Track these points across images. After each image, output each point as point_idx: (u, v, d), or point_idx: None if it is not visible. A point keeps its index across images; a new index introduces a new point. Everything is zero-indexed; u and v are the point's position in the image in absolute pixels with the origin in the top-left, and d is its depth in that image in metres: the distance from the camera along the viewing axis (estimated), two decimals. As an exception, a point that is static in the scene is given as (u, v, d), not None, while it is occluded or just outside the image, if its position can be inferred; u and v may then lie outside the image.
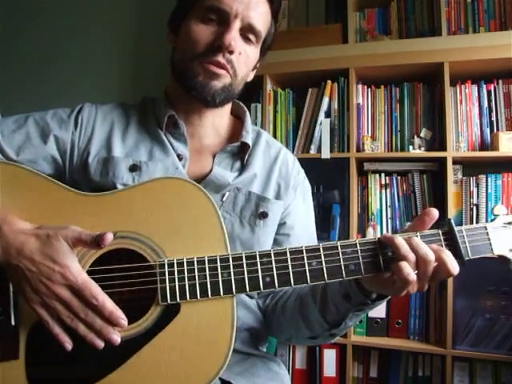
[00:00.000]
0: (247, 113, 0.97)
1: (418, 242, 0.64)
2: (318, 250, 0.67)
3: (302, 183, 0.99)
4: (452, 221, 0.67)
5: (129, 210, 0.70)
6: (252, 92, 2.03)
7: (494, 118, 1.80)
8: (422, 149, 1.83)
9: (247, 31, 0.83)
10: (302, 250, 0.67)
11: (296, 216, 0.95)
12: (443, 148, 1.76)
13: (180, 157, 0.86)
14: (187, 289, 0.65)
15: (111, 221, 0.69)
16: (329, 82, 1.93)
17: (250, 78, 0.93)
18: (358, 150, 1.87)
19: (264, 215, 0.88)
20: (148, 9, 2.33)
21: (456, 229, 0.66)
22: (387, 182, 1.87)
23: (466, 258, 0.66)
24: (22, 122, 0.85)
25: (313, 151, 1.91)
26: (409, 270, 0.62)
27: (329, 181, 1.87)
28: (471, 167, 1.84)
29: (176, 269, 0.66)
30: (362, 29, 1.99)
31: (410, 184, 1.85)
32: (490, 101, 1.81)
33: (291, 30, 2.04)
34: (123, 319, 0.62)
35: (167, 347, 0.65)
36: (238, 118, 0.99)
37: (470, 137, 1.82)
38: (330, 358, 1.84)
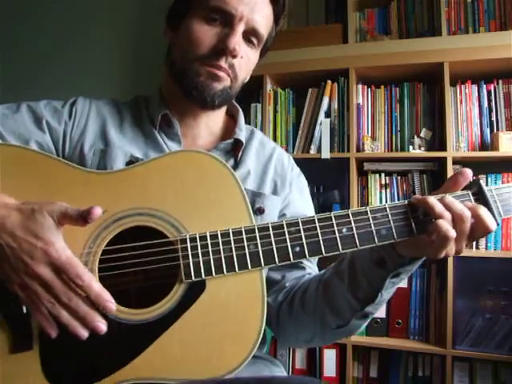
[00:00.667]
0: (240, 111, 0.95)
1: (452, 200, 0.62)
2: (348, 216, 0.64)
3: (296, 178, 0.97)
4: (481, 181, 0.66)
5: (144, 185, 0.66)
6: (252, 92, 2.03)
7: (494, 118, 1.80)
8: (422, 149, 1.83)
9: (250, 34, 0.82)
10: (331, 217, 0.63)
11: (295, 207, 0.92)
12: (443, 148, 1.76)
13: None
14: (212, 264, 0.62)
15: (125, 198, 0.66)
16: (329, 81, 1.93)
17: (247, 79, 0.92)
18: (358, 150, 1.87)
19: (260, 211, 0.85)
20: (148, 8, 2.33)
21: (486, 188, 0.65)
22: (387, 182, 1.87)
23: (498, 218, 0.64)
24: (15, 109, 0.82)
25: (313, 151, 1.91)
26: (448, 226, 0.60)
27: (329, 181, 1.87)
28: (471, 167, 1.81)
29: (199, 243, 0.62)
30: (362, 29, 1.99)
31: (410, 184, 1.85)
32: (490, 101, 1.81)
33: (291, 29, 2.04)
34: (111, 302, 0.57)
35: (194, 327, 0.61)
36: (231, 117, 0.97)
37: (470, 137, 1.82)
38: (330, 358, 1.84)
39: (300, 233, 0.63)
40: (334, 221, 0.63)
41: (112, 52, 2.39)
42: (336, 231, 0.63)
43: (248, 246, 0.63)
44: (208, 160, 0.68)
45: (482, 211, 0.62)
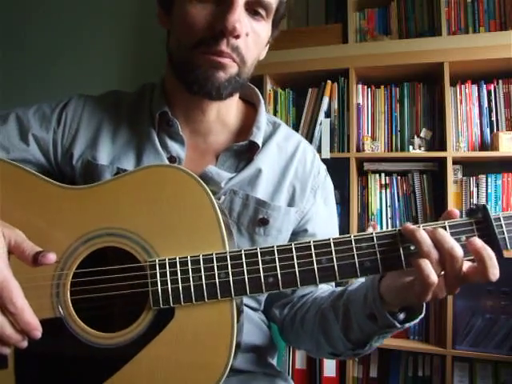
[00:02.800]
0: (262, 102, 0.83)
1: (443, 235, 0.54)
2: (329, 245, 0.59)
3: (322, 184, 0.86)
4: (488, 207, 0.56)
5: (116, 203, 0.64)
6: (252, 92, 2.02)
7: (494, 118, 1.80)
8: (422, 149, 1.83)
9: (255, 5, 0.69)
10: (310, 246, 0.59)
11: (317, 222, 0.84)
12: (443, 148, 1.76)
13: (172, 159, 0.77)
14: (181, 292, 0.59)
15: (97, 216, 0.64)
16: (329, 82, 1.93)
17: (263, 56, 0.80)
18: (358, 150, 1.87)
19: (264, 222, 0.77)
20: (149, 7, 2.33)
21: (492, 216, 0.56)
22: (387, 182, 1.87)
23: (504, 251, 0.56)
24: (3, 119, 0.78)
25: (313, 151, 1.91)
26: (429, 271, 0.53)
27: (329, 181, 1.87)
28: (471, 167, 1.84)
29: (168, 270, 0.60)
30: (362, 29, 1.99)
31: (410, 184, 1.85)
32: (490, 101, 1.81)
33: (291, 29, 2.04)
34: (39, 330, 0.55)
35: (162, 355, 0.60)
36: (251, 105, 0.85)
37: (470, 137, 1.82)
38: (329, 358, 1.83)
39: (275, 262, 0.59)
40: (313, 250, 0.59)
41: (112, 51, 2.39)
42: (314, 262, 0.59)
43: (219, 274, 0.60)
44: (182, 177, 0.64)
45: (488, 256, 0.53)
